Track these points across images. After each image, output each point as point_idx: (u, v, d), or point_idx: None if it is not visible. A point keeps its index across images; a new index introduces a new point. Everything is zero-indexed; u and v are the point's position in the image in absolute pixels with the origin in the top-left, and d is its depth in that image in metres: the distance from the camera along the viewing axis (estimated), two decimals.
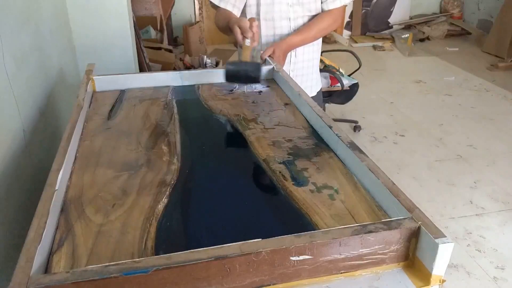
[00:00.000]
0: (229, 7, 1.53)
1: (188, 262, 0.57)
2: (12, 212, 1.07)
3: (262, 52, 1.49)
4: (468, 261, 2.07)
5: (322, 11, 1.58)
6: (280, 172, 0.89)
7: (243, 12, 1.60)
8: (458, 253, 2.11)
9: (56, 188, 0.76)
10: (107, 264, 0.57)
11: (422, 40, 5.77)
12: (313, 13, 1.58)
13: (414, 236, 0.65)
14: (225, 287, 0.61)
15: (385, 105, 3.88)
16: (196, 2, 5.41)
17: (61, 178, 0.79)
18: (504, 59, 4.83)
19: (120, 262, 0.57)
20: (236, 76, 1.21)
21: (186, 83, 1.41)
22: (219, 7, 1.55)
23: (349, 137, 0.93)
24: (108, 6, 2.22)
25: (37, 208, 0.70)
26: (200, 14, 5.48)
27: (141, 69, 2.95)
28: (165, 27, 4.54)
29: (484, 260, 2.08)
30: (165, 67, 3.75)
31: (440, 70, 4.76)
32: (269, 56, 1.47)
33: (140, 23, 3.89)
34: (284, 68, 1.58)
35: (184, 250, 0.59)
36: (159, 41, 4.26)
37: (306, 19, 1.59)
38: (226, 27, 1.44)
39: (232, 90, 1.36)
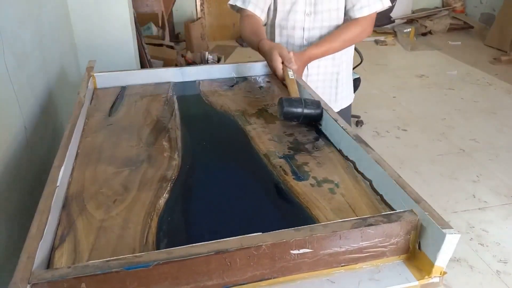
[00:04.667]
0: (257, 12, 1.42)
1: (189, 257, 0.57)
2: (13, 209, 1.08)
3: None
4: (471, 255, 2.07)
5: (349, 19, 1.43)
6: (280, 167, 0.89)
7: None
8: (461, 247, 2.12)
9: (58, 185, 0.76)
10: (108, 259, 0.57)
11: (424, 34, 5.74)
12: (334, 23, 1.44)
13: (414, 228, 0.65)
14: (226, 281, 0.61)
15: (387, 99, 3.87)
16: None
17: (62, 174, 0.80)
18: (506, 53, 4.81)
19: (121, 257, 0.58)
20: (296, 117, 1.05)
21: (187, 79, 1.41)
22: (243, 9, 1.43)
23: (354, 130, 0.93)
24: (109, 3, 2.22)
25: (39, 205, 0.70)
26: (201, 10, 5.47)
27: (143, 66, 2.95)
28: (166, 24, 4.54)
29: (487, 254, 2.08)
30: (167, 63, 3.75)
31: (443, 64, 4.74)
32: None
33: (141, 20, 3.89)
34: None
35: (185, 245, 0.59)
36: (161, 38, 4.25)
37: (324, 30, 1.45)
38: (255, 44, 1.33)
39: (233, 85, 1.36)
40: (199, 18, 5.30)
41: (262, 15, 1.44)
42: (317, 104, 1.05)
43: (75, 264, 0.62)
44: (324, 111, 1.04)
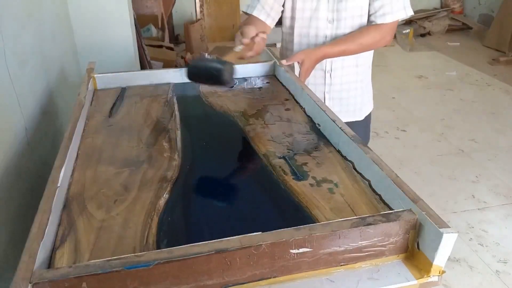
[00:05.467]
0: (262, 16, 1.37)
1: (189, 256, 0.58)
2: (14, 209, 1.08)
3: (288, 58, 1.33)
4: (470, 255, 2.08)
5: (370, 24, 1.36)
6: (280, 167, 0.90)
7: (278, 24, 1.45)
8: (461, 247, 2.12)
9: (58, 185, 0.76)
10: (109, 258, 0.58)
11: (423, 35, 5.76)
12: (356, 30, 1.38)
13: (413, 228, 0.66)
14: (226, 280, 0.61)
15: (386, 100, 3.88)
16: (197, 0, 5.41)
17: (63, 175, 0.80)
18: (505, 53, 4.82)
19: (122, 256, 0.58)
20: (198, 74, 1.01)
21: (187, 80, 1.41)
22: (250, 15, 1.39)
23: (352, 131, 0.94)
24: (109, 5, 2.22)
25: (40, 205, 0.70)
26: (201, 12, 5.48)
27: (143, 67, 2.96)
28: (166, 25, 4.55)
29: (486, 254, 2.08)
30: (167, 65, 3.76)
31: (442, 65, 4.75)
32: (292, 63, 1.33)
33: (141, 22, 3.89)
34: (319, 89, 1.44)
35: (185, 244, 0.60)
36: (160, 39, 4.26)
37: None
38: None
39: (233, 86, 1.37)
40: (199, 19, 5.31)
41: (267, 20, 1.38)
42: (223, 62, 0.98)
43: (76, 264, 0.63)
44: (321, 111, 1.04)
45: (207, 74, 0.98)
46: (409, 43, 5.40)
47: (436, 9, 6.13)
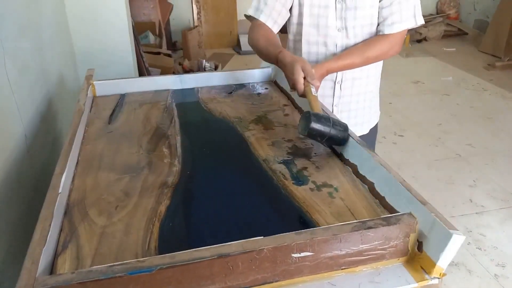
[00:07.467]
0: (269, 23, 1.30)
1: (192, 261, 0.58)
2: (14, 216, 1.08)
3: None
4: (469, 259, 2.08)
5: (377, 34, 1.29)
6: (280, 172, 0.90)
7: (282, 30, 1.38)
8: (459, 251, 2.09)
9: (60, 192, 0.77)
10: (112, 264, 0.58)
11: (419, 41, 5.80)
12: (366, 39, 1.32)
13: (413, 231, 0.66)
14: (228, 285, 0.61)
15: (383, 105, 3.87)
16: (195, 7, 5.44)
17: (64, 181, 0.80)
18: (500, 59, 4.85)
19: (125, 262, 0.58)
20: (321, 135, 0.94)
21: (186, 86, 1.42)
22: (255, 19, 1.32)
23: (356, 135, 0.94)
24: (107, 12, 2.23)
25: (41, 211, 0.71)
26: (198, 18, 5.50)
27: (141, 74, 2.97)
28: (163, 32, 4.57)
29: (485, 258, 2.09)
30: (164, 71, 3.77)
31: (438, 70, 4.78)
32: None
33: (139, 29, 3.91)
34: (327, 101, 1.38)
35: (187, 249, 0.60)
36: (158, 46, 4.28)
37: None
38: (272, 55, 1.20)
39: (231, 92, 1.37)
40: (196, 26, 5.33)
41: (274, 27, 1.32)
42: (344, 127, 0.96)
43: (78, 270, 0.63)
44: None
45: (331, 139, 0.95)
46: (405, 49, 5.43)
47: (431, 15, 6.17)
